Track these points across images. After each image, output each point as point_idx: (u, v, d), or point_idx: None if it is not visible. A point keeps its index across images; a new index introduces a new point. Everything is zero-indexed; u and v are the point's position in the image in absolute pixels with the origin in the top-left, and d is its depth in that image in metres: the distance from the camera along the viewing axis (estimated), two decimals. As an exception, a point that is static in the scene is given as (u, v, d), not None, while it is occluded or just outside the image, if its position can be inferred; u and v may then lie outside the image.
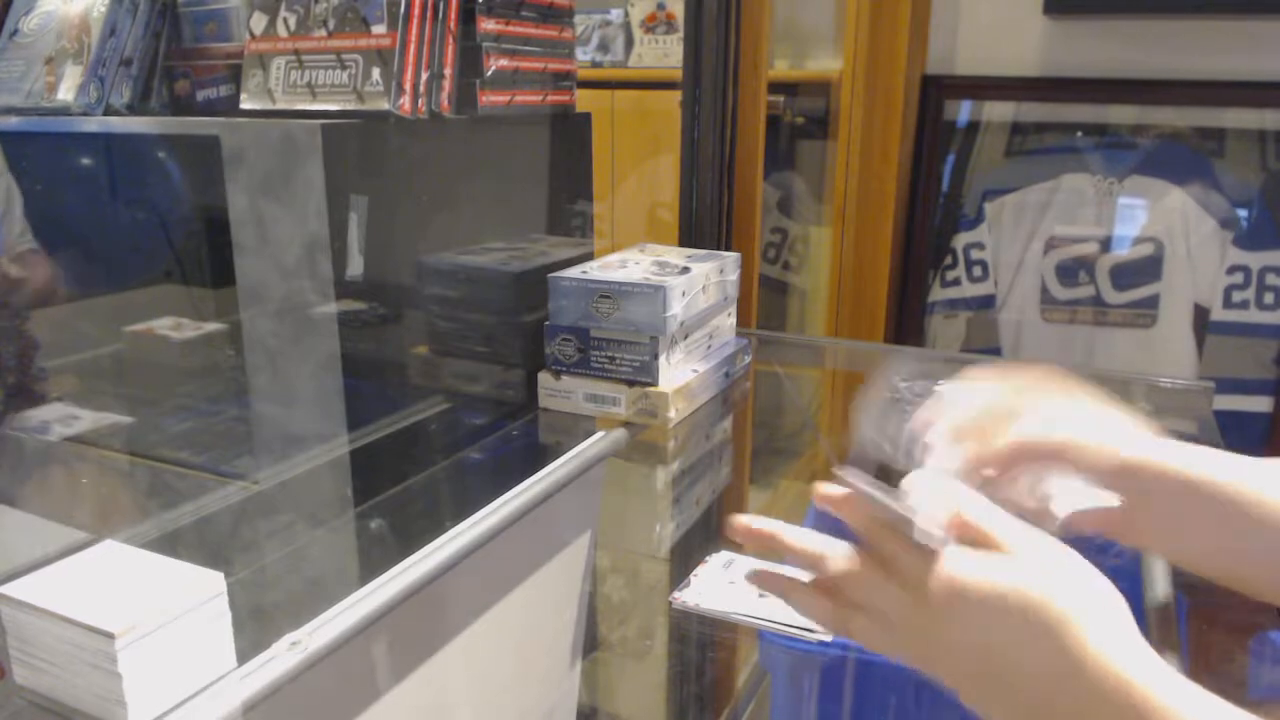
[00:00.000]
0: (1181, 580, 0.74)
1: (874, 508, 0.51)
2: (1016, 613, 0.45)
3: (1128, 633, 0.45)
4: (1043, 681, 0.45)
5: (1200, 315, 2.05)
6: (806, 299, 2.43)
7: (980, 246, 2.20)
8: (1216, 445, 1.06)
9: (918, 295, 2.28)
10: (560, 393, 1.08)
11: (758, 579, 0.58)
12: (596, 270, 1.09)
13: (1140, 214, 2.08)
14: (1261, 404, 2.03)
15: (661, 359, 1.04)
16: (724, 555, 0.94)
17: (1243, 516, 0.56)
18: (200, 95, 1.06)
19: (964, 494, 0.50)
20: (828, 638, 0.81)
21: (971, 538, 0.48)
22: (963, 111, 2.22)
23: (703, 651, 1.16)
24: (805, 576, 0.55)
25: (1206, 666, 0.67)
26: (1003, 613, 0.46)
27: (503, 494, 0.82)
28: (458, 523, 0.76)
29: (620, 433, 1.03)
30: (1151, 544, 0.61)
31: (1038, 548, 0.47)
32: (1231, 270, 2.01)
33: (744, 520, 0.57)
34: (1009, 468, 0.58)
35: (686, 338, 1.10)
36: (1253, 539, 0.56)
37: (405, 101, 0.91)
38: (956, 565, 0.47)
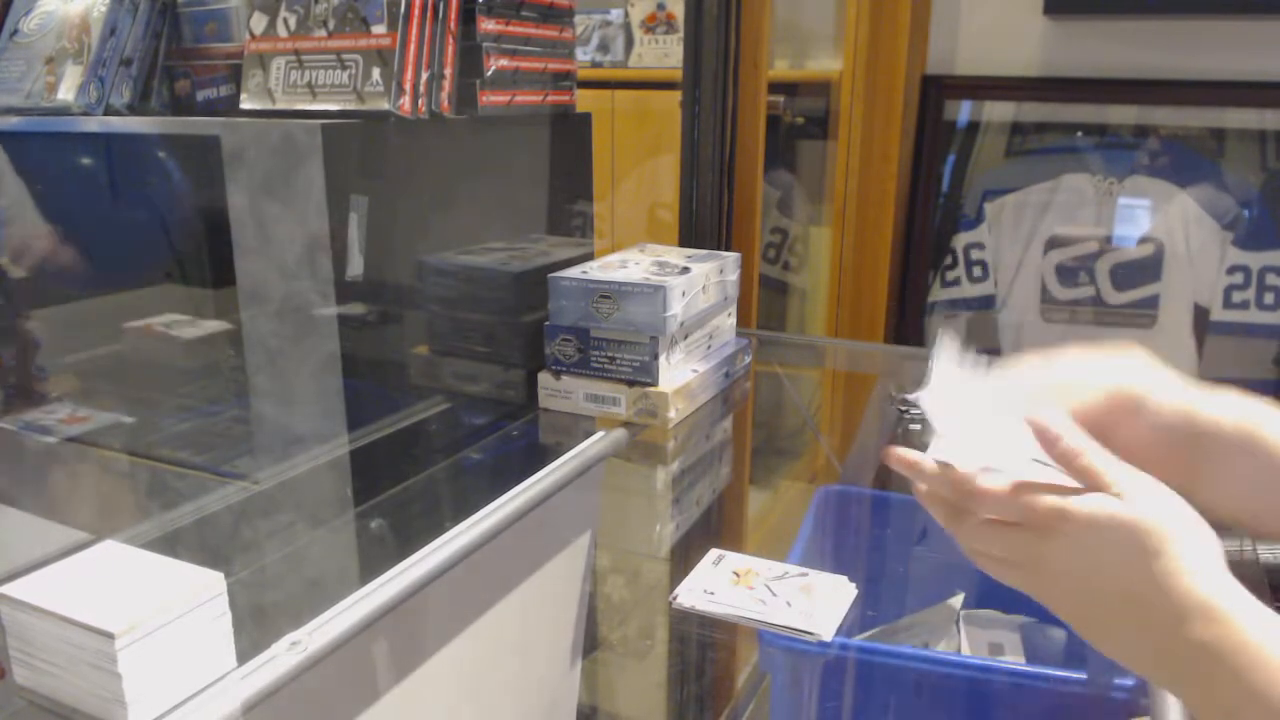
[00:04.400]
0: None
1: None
2: (1123, 534, 0.49)
3: (1219, 566, 0.50)
4: (1137, 601, 0.49)
5: (1200, 315, 2.05)
6: (806, 299, 2.43)
7: (980, 246, 2.20)
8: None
9: (918, 295, 2.28)
10: (560, 393, 1.08)
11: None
12: (596, 270, 1.09)
13: (1140, 214, 2.08)
14: (1261, 404, 2.03)
15: (661, 359, 1.04)
16: (724, 555, 0.94)
17: None
18: (200, 95, 1.06)
19: (1080, 436, 0.53)
20: (827, 638, 0.80)
21: (1084, 479, 0.52)
22: (963, 111, 2.22)
23: (703, 651, 1.16)
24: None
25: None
26: (1109, 534, 0.50)
27: (503, 494, 0.82)
28: (458, 523, 0.76)
29: (620, 433, 1.03)
30: (1213, 501, 0.62)
31: (1145, 487, 0.51)
32: (1231, 270, 2.01)
33: (899, 452, 0.59)
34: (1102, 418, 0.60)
35: (686, 338, 1.10)
36: None
37: (405, 101, 0.91)
38: (1071, 499, 0.51)
